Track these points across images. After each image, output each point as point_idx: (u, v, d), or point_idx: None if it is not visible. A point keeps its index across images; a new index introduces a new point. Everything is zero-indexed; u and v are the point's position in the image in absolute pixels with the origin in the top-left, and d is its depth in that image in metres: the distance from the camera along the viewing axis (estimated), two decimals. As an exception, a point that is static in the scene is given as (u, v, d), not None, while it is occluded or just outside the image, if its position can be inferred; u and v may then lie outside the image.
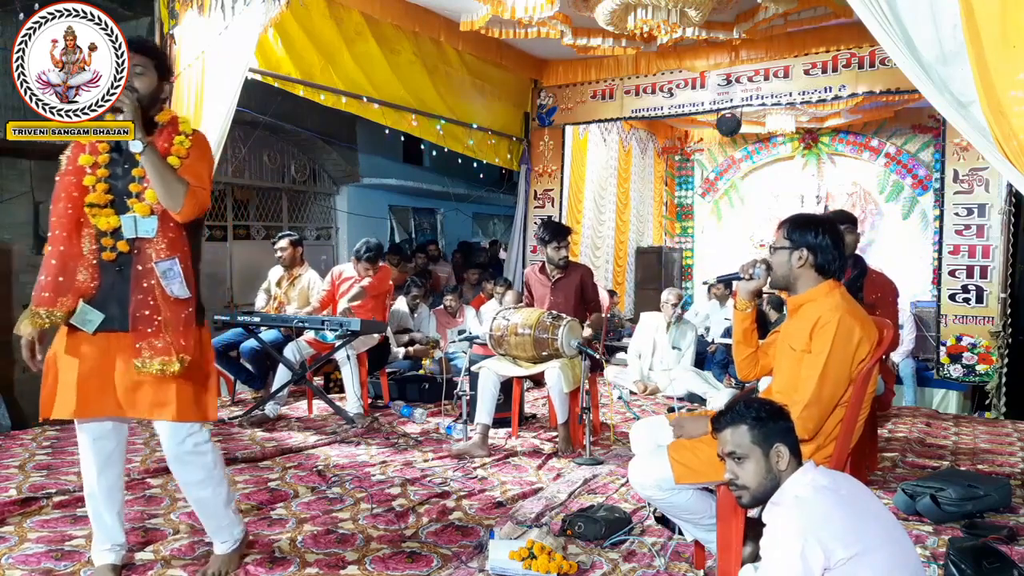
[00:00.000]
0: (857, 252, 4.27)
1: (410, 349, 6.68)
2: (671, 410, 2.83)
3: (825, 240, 2.54)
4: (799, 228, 2.58)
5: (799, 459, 2.04)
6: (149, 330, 2.39)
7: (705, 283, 3.39)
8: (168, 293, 2.39)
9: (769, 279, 2.65)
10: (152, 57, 2.46)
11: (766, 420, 2.05)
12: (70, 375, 2.42)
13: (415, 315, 7.00)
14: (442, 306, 7.26)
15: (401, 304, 6.95)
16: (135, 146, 2.31)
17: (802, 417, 2.36)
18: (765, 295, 8.03)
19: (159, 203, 2.39)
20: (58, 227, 2.41)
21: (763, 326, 6.51)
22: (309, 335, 5.44)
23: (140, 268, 2.41)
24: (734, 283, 2.81)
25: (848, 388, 2.47)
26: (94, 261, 2.42)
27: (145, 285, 2.40)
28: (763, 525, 1.99)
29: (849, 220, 4.17)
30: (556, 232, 4.95)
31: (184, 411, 2.46)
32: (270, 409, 5.29)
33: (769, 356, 2.78)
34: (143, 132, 2.32)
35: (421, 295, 7.01)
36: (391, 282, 6.00)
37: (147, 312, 2.39)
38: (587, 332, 4.76)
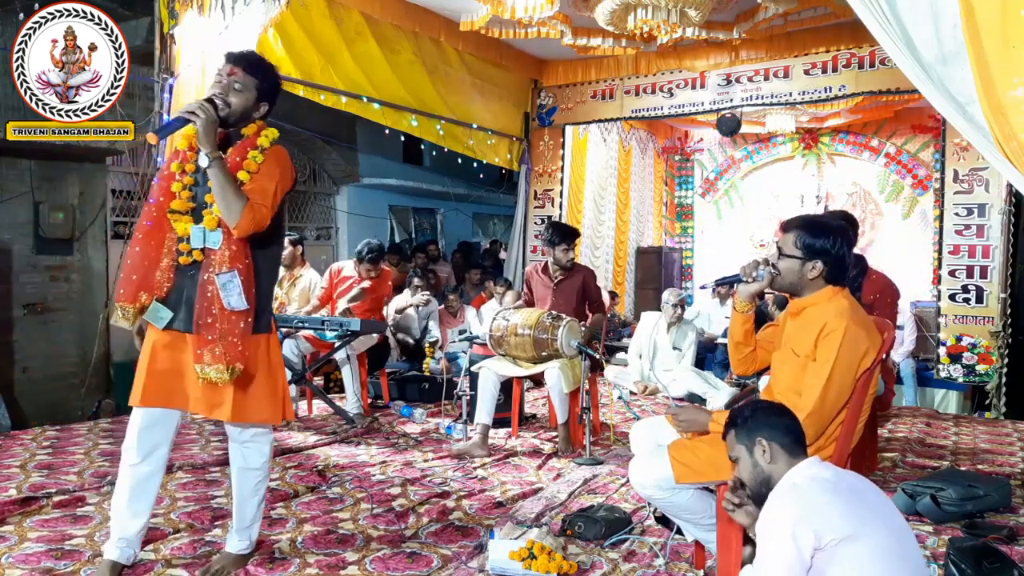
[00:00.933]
0: (856, 251, 4.26)
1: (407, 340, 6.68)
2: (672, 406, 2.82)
3: (841, 250, 2.47)
4: (813, 237, 2.48)
5: (796, 456, 2.03)
6: (209, 337, 2.46)
7: (704, 287, 3.36)
8: (226, 305, 2.46)
9: (773, 281, 2.58)
10: (256, 77, 2.56)
11: (748, 419, 2.08)
12: (143, 367, 2.55)
13: (420, 309, 6.97)
14: (443, 306, 7.26)
15: (404, 301, 6.94)
16: (202, 160, 2.40)
17: (804, 425, 2.35)
18: (768, 295, 8.04)
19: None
20: (142, 227, 2.53)
21: (762, 323, 6.53)
22: (308, 332, 5.44)
23: (205, 277, 2.48)
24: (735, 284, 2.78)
25: (851, 394, 2.46)
26: (172, 263, 2.53)
27: (209, 293, 2.47)
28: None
29: (849, 222, 4.13)
30: (565, 234, 4.94)
31: (239, 412, 2.56)
32: None
33: (766, 350, 2.77)
34: (213, 146, 2.39)
35: (423, 285, 7.00)
36: (390, 283, 6.01)
37: (208, 320, 2.47)
38: (594, 325, 4.77)
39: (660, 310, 6.59)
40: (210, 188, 2.46)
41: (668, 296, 6.52)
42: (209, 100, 2.45)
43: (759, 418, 2.09)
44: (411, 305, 6.87)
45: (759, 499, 2.05)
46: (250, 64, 2.54)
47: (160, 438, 2.60)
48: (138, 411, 2.57)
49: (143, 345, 2.60)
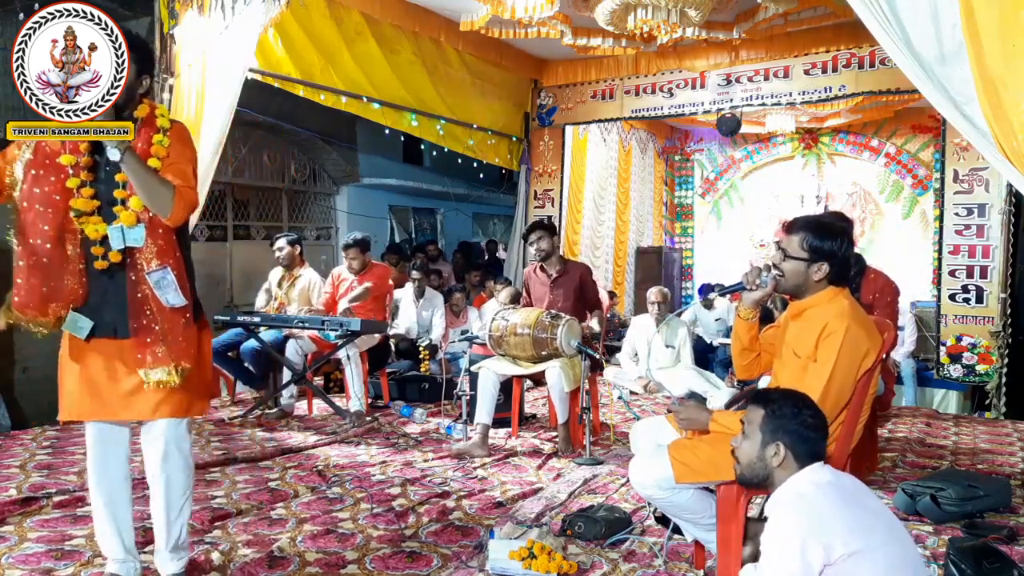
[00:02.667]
0: (856, 251, 4.26)
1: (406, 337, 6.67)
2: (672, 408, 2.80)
3: (847, 252, 2.47)
4: (820, 239, 2.46)
5: (805, 464, 2.01)
6: (149, 339, 2.36)
7: (708, 299, 3.27)
8: (164, 303, 2.35)
9: (777, 284, 2.56)
10: (133, 51, 2.27)
11: (779, 416, 2.03)
12: (72, 379, 2.41)
13: (420, 301, 6.96)
14: (448, 304, 7.25)
15: (406, 297, 6.93)
16: (112, 153, 2.22)
17: None
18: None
19: (144, 210, 2.32)
20: (37, 232, 2.28)
21: (766, 322, 6.53)
22: (312, 332, 5.45)
23: (133, 277, 2.36)
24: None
25: (851, 394, 2.45)
26: (82, 267, 2.34)
27: (140, 295, 2.36)
28: (764, 521, 1.99)
29: (839, 230, 4.08)
30: (529, 228, 5.04)
31: (182, 408, 2.46)
32: (285, 403, 5.39)
33: (769, 353, 2.76)
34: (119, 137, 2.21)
35: (422, 277, 6.97)
36: (391, 282, 6.01)
37: (144, 321, 2.36)
38: (595, 325, 4.76)
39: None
40: (117, 183, 2.32)
41: (651, 295, 6.54)
42: None
43: (790, 420, 2.02)
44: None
45: (752, 481, 2.06)
46: (126, 39, 2.26)
47: (114, 451, 2.49)
48: (89, 427, 2.46)
49: (62, 356, 2.42)
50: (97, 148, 2.34)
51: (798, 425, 2.02)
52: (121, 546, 2.53)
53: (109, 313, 2.38)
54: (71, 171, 2.32)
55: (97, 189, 2.34)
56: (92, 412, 2.44)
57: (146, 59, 2.40)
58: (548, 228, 4.99)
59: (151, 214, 2.34)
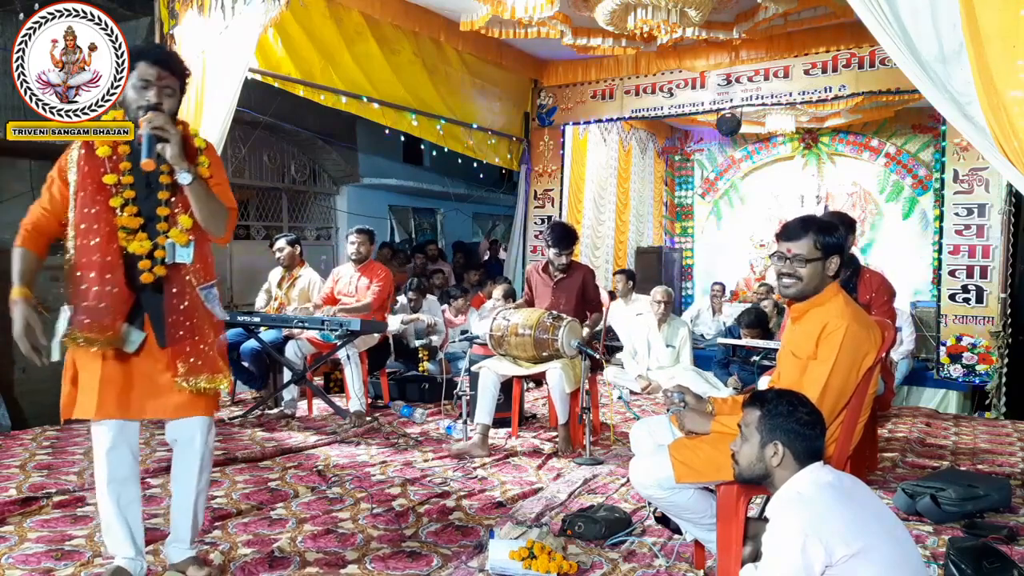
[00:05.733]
0: (852, 252, 4.25)
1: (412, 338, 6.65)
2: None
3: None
4: (829, 235, 2.46)
5: (805, 463, 2.02)
6: (187, 348, 2.43)
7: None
8: (214, 316, 2.47)
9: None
10: (179, 77, 2.41)
11: (775, 416, 2.04)
12: (91, 377, 2.41)
13: (419, 313, 6.95)
14: (447, 305, 7.24)
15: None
16: (184, 178, 2.31)
17: None
18: (770, 299, 8.03)
19: (193, 228, 2.41)
20: (90, 251, 2.33)
21: (763, 325, 6.54)
22: (311, 333, 5.45)
23: (175, 290, 2.43)
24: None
25: (851, 395, 2.45)
26: (125, 281, 2.38)
27: (181, 307, 2.43)
28: (764, 521, 1.99)
29: (847, 223, 4.08)
30: (560, 239, 4.85)
31: (212, 406, 2.57)
32: (287, 405, 5.40)
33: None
34: (188, 161, 2.32)
35: (417, 298, 6.94)
36: (391, 282, 5.99)
37: (182, 333, 2.43)
38: (585, 331, 4.76)
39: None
40: (159, 200, 2.38)
41: (654, 294, 6.54)
42: (155, 108, 2.31)
43: (786, 419, 2.02)
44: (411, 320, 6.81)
45: (753, 480, 2.08)
46: (175, 65, 2.41)
47: (129, 449, 2.52)
48: (104, 426, 2.48)
49: (76, 356, 2.43)
50: (135, 166, 2.37)
51: (794, 423, 2.02)
52: (133, 545, 2.56)
53: (141, 321, 2.44)
54: (114, 190, 2.37)
55: (139, 207, 2.39)
56: (116, 411, 2.44)
57: (184, 85, 2.49)
58: (573, 240, 4.89)
59: (198, 234, 2.44)
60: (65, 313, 2.36)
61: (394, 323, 6.51)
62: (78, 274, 2.34)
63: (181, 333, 2.42)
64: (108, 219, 2.35)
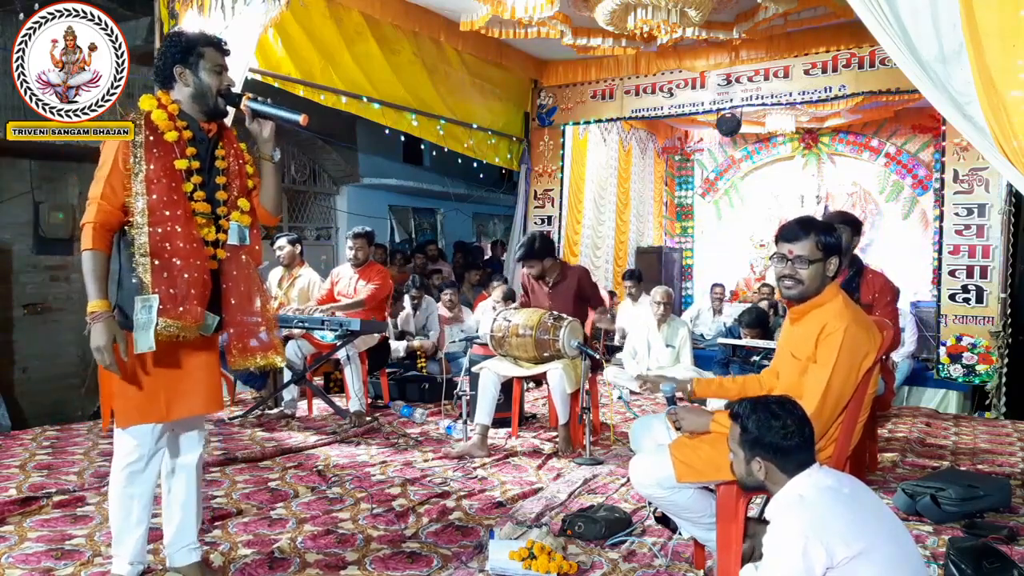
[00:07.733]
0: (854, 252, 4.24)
1: (413, 343, 6.65)
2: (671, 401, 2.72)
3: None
4: (828, 235, 2.47)
5: (793, 472, 2.00)
6: (247, 330, 2.50)
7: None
8: (268, 295, 2.51)
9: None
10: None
11: (752, 432, 2.02)
12: (151, 380, 2.36)
13: (418, 312, 6.96)
14: (439, 302, 7.24)
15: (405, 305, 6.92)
16: (276, 155, 2.49)
17: None
18: (765, 301, 8.03)
19: (248, 211, 2.50)
20: (174, 237, 2.30)
21: (764, 325, 6.54)
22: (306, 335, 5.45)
23: (235, 272, 2.48)
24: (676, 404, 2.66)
25: (850, 396, 2.45)
26: (202, 266, 2.37)
27: (242, 289, 2.49)
28: (764, 522, 1.99)
29: (852, 223, 4.06)
30: (526, 254, 4.76)
31: (222, 403, 2.60)
32: (287, 405, 5.40)
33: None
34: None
35: (420, 296, 6.96)
36: (391, 282, 5.99)
37: (242, 315, 2.49)
38: (601, 323, 4.75)
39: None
40: (218, 185, 2.44)
41: (655, 294, 6.53)
42: (241, 94, 2.51)
43: (767, 434, 2.00)
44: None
45: (751, 490, 2.13)
46: (224, 48, 2.58)
47: (160, 452, 2.49)
48: (149, 429, 2.40)
49: (142, 360, 2.33)
50: (199, 152, 2.41)
51: (773, 437, 2.00)
52: (143, 549, 2.55)
53: (213, 308, 2.45)
54: (185, 176, 2.37)
55: (206, 192, 2.43)
56: (174, 412, 2.42)
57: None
58: (538, 253, 4.74)
59: (252, 215, 2.55)
60: (149, 302, 2.26)
61: (399, 349, 6.53)
62: (156, 262, 2.28)
63: (244, 316, 2.48)
64: (184, 204, 2.35)
